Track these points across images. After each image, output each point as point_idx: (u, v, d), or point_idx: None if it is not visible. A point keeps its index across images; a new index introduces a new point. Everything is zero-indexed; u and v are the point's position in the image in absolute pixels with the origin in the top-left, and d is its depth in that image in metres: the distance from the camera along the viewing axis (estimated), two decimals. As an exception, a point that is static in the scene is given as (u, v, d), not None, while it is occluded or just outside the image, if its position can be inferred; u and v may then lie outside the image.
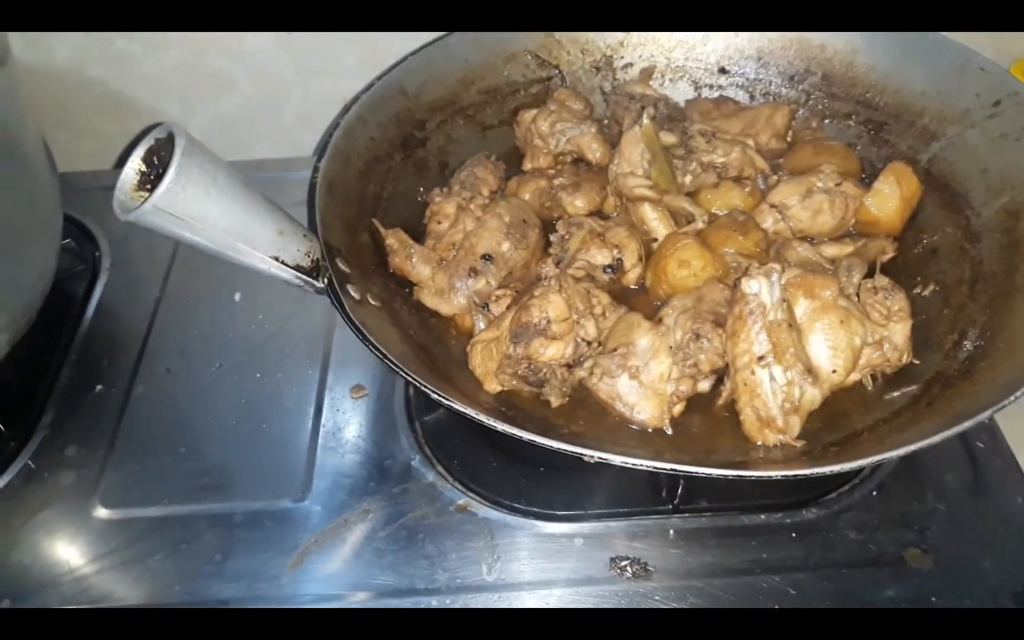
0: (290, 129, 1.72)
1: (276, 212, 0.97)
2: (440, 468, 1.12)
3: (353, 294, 1.04)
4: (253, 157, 1.74)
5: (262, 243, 0.95)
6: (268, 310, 1.33)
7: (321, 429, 1.17)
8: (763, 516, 1.06)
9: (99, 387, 1.25)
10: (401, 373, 0.92)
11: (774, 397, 0.98)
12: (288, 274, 0.99)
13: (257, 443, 1.16)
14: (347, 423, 1.17)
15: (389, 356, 0.93)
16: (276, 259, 0.97)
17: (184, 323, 1.33)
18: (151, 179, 0.92)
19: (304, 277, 1.00)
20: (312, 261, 1.01)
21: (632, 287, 1.19)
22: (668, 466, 0.85)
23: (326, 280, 1.02)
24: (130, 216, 0.88)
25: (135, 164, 0.91)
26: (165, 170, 0.88)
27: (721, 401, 1.05)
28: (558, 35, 1.43)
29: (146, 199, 0.87)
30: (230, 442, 1.17)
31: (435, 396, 0.90)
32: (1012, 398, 0.86)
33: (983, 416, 0.85)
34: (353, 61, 1.62)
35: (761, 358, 0.98)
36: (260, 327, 1.31)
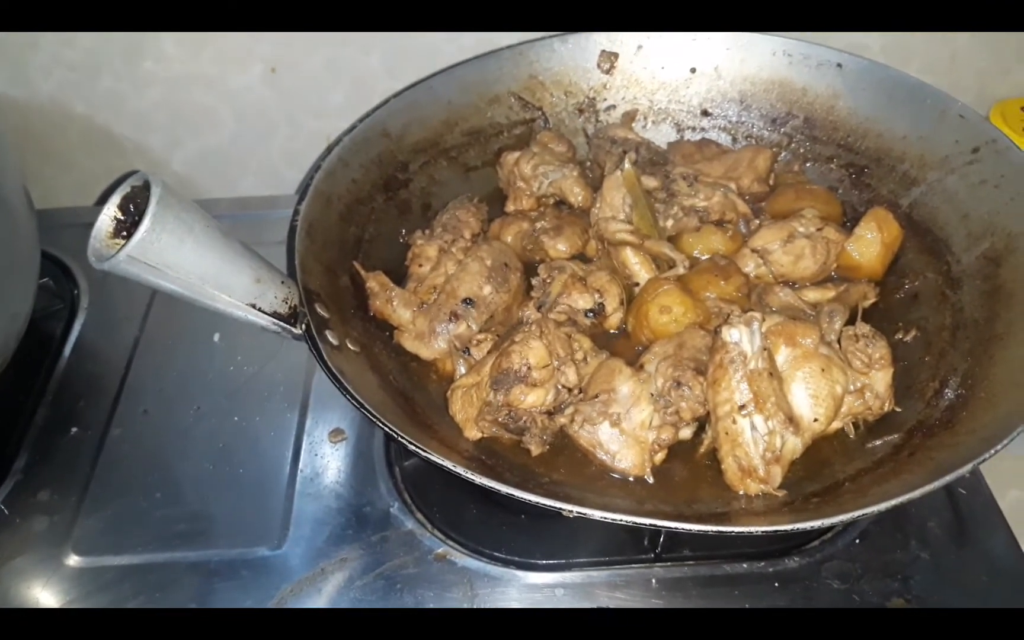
0: (276, 166, 1.71)
1: (254, 259, 0.97)
2: (419, 516, 1.10)
3: (331, 340, 1.03)
4: (238, 193, 1.74)
5: (239, 291, 0.94)
6: (247, 351, 1.31)
7: (299, 474, 1.15)
8: (745, 565, 1.05)
9: (75, 429, 1.23)
10: (378, 423, 0.91)
11: (755, 446, 0.97)
12: (265, 321, 0.98)
13: (234, 488, 1.15)
14: (325, 468, 1.16)
15: (366, 405, 0.92)
16: (253, 306, 0.97)
17: (163, 364, 1.32)
18: (127, 227, 0.91)
19: (282, 324, 0.99)
20: (290, 307, 1.00)
21: (614, 331, 1.18)
22: (648, 521, 0.84)
23: (304, 326, 1.01)
24: (104, 265, 0.87)
25: (111, 212, 0.91)
26: (141, 218, 0.87)
27: (703, 449, 1.04)
28: (541, 76, 1.43)
29: (121, 248, 0.86)
30: (207, 487, 1.15)
31: (412, 447, 0.89)
32: (992, 451, 0.85)
33: (964, 470, 0.85)
34: (339, 100, 1.62)
35: (742, 407, 0.97)
36: (239, 369, 1.30)
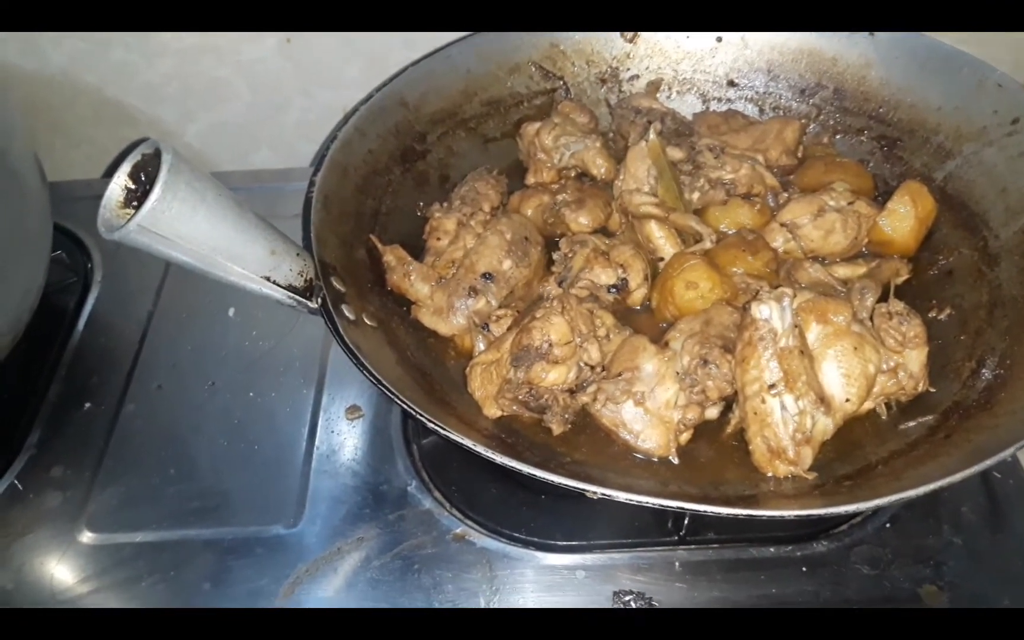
0: (290, 138, 1.69)
1: (268, 230, 0.94)
2: (437, 494, 1.08)
3: (348, 314, 1.00)
4: (252, 166, 1.71)
5: (253, 263, 0.92)
6: (263, 326, 1.29)
7: (315, 452, 1.13)
8: (772, 549, 1.02)
9: (88, 405, 1.21)
10: (396, 400, 0.88)
11: (785, 427, 0.94)
12: (280, 294, 0.96)
13: (249, 465, 1.13)
14: (342, 445, 1.14)
15: (383, 382, 0.89)
16: (267, 279, 0.94)
17: (177, 338, 1.30)
18: (137, 196, 0.88)
19: (297, 297, 0.97)
20: (306, 280, 0.97)
21: (637, 307, 1.15)
22: (675, 504, 0.81)
23: (320, 300, 0.98)
24: (115, 235, 0.84)
25: (121, 180, 0.88)
26: (152, 187, 0.84)
27: (730, 429, 1.01)
28: (563, 45, 1.39)
29: (131, 217, 0.83)
30: (222, 464, 1.14)
31: (431, 425, 0.86)
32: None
33: (1006, 453, 0.81)
34: (355, 72, 1.59)
35: (772, 386, 0.94)
36: (254, 343, 1.27)
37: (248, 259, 0.91)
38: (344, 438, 1.14)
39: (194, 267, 0.90)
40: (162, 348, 1.29)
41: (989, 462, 0.81)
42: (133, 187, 0.89)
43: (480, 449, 0.84)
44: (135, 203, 0.88)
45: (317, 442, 1.14)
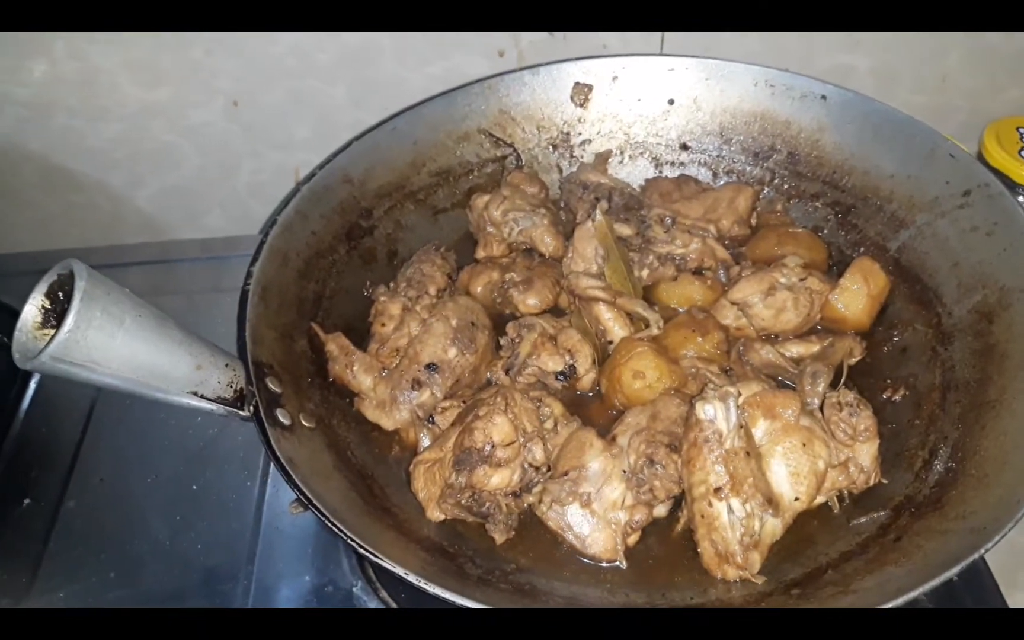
0: (242, 200, 1.65)
1: (193, 344, 0.90)
2: (384, 594, 1.05)
3: (282, 419, 0.96)
4: (204, 228, 1.68)
5: (177, 381, 0.88)
6: (207, 412, 1.25)
7: (258, 552, 1.10)
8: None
9: (27, 501, 1.18)
10: (327, 524, 0.85)
11: (733, 531, 0.92)
12: (209, 406, 0.92)
13: (192, 566, 1.10)
14: (285, 543, 1.11)
15: (315, 503, 0.86)
16: (195, 394, 0.91)
17: (120, 427, 1.26)
18: (56, 314, 0.85)
19: (227, 408, 0.93)
20: (235, 391, 0.94)
21: (587, 393, 1.12)
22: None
23: (252, 408, 0.95)
24: (29, 364, 0.81)
25: (37, 301, 0.85)
26: (70, 306, 0.81)
27: (680, 527, 0.99)
28: (512, 112, 1.36)
29: (46, 346, 0.80)
30: (163, 565, 1.10)
31: (363, 552, 0.83)
32: (983, 549, 0.80)
33: (952, 572, 0.79)
34: (305, 132, 1.56)
35: (718, 490, 0.91)
36: (198, 431, 1.24)
37: (172, 378, 0.88)
38: (287, 535, 1.11)
39: (117, 389, 0.86)
40: (104, 437, 1.25)
41: (934, 582, 0.78)
42: (50, 307, 0.85)
43: (413, 578, 0.81)
44: (54, 322, 0.85)
45: (260, 541, 1.11)
